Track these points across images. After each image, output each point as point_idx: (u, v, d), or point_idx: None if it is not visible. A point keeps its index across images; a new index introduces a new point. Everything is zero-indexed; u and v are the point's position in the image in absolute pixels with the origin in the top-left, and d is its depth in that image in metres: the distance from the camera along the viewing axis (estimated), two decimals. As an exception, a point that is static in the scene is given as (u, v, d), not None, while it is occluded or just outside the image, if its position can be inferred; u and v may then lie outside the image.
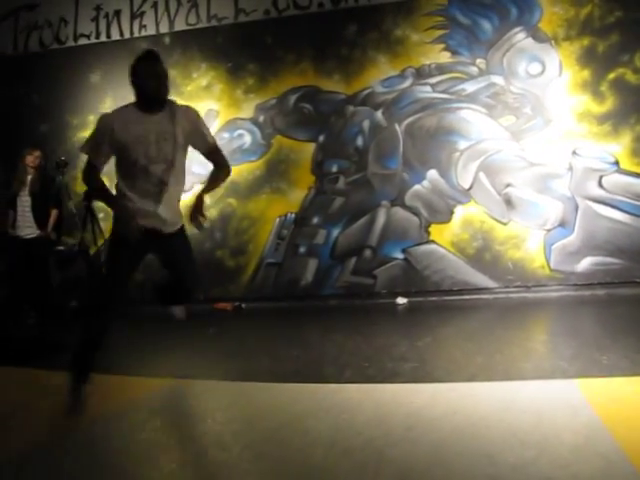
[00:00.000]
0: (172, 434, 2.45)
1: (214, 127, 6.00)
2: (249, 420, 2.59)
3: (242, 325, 4.82)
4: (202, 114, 6.07)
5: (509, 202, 5.38)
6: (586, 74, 5.21)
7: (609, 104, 5.17)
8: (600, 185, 5.20)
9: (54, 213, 5.63)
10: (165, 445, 2.33)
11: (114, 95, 6.14)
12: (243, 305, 5.71)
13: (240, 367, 3.57)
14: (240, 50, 5.98)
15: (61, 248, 6.10)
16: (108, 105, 6.18)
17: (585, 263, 5.24)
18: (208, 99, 6.06)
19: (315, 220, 5.83)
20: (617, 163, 5.16)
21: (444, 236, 5.53)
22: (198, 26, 6.09)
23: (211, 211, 6.02)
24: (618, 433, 2.05)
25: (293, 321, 4.46)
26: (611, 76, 5.15)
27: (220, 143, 6.15)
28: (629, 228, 5.13)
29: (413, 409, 2.48)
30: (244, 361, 3.72)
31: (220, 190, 5.96)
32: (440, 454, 2.02)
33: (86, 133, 6.31)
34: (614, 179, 5.17)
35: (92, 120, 6.30)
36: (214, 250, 6.04)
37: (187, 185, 6.22)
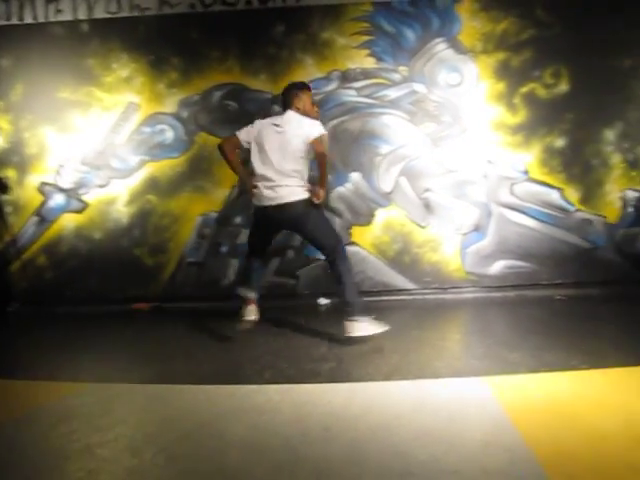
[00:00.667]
0: (81, 440, 2.34)
1: (134, 121, 5.81)
2: (163, 423, 2.53)
3: (161, 326, 4.69)
4: (122, 107, 5.91)
5: (428, 206, 5.56)
6: (501, 87, 5.48)
7: (521, 116, 5.47)
8: (512, 192, 5.49)
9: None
10: (73, 452, 2.22)
11: (25, 81, 5.76)
12: (162, 305, 5.56)
13: (157, 369, 3.48)
14: (163, 43, 5.79)
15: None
16: (19, 92, 5.81)
17: (497, 266, 5.53)
18: (128, 92, 5.82)
19: (238, 219, 5.76)
20: (527, 172, 5.47)
21: (365, 238, 5.64)
22: (119, 15, 5.86)
23: (129, 207, 5.82)
24: (522, 427, 2.17)
25: (214, 322, 4.39)
26: (523, 90, 5.45)
27: (140, 138, 5.98)
28: (537, 234, 5.46)
29: (330, 409, 2.51)
30: (161, 363, 3.63)
31: (139, 186, 5.79)
32: (355, 453, 2.05)
33: (-7, 121, 5.95)
34: (524, 187, 5.48)
35: (1, 106, 5.92)
36: (132, 248, 5.83)
37: (104, 180, 6.01)
